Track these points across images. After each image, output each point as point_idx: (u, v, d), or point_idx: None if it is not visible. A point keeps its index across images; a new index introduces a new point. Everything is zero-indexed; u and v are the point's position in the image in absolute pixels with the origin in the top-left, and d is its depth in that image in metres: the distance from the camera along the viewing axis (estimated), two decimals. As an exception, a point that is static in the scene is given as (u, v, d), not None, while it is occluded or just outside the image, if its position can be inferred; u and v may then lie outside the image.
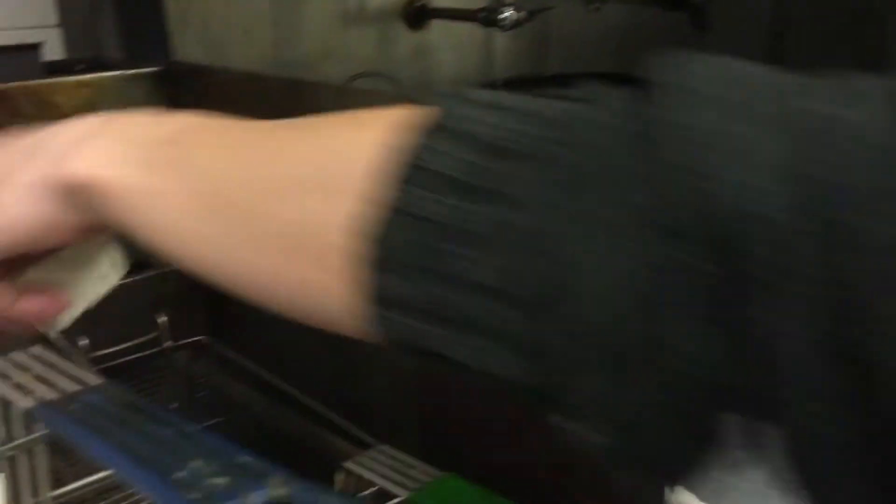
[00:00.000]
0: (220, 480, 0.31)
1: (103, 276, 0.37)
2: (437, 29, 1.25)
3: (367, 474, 0.58)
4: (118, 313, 0.78)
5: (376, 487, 0.58)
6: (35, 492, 0.48)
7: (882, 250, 0.17)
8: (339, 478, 0.59)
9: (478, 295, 0.22)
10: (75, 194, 0.30)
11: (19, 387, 0.41)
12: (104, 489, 0.57)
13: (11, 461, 0.46)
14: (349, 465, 0.59)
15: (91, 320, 0.37)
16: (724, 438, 0.23)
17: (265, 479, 0.31)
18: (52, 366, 0.43)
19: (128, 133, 0.30)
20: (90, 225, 0.31)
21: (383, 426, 0.72)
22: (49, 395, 0.39)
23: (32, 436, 0.46)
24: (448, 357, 0.23)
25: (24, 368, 0.43)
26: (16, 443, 0.46)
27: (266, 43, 1.11)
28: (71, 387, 0.40)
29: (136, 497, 0.58)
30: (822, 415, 0.19)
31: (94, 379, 0.41)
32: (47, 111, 0.76)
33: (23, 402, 0.39)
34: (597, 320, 0.20)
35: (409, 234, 0.22)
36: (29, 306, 0.36)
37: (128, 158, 0.29)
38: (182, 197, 0.27)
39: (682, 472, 0.23)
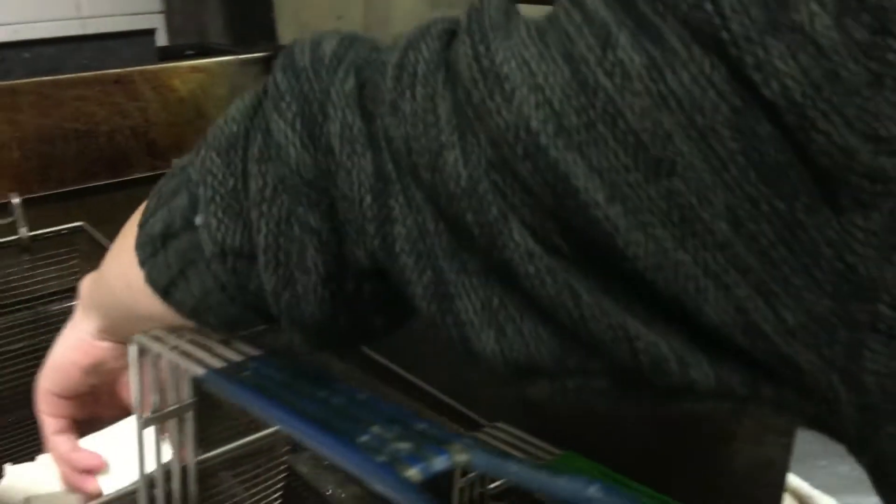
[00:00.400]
0: (404, 445, 0.32)
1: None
2: (523, 12, 1.25)
3: (486, 450, 0.59)
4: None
5: (495, 463, 0.58)
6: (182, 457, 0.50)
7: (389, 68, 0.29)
8: (457, 453, 0.60)
9: (182, 186, 0.35)
10: (85, 305, 0.48)
11: (182, 353, 0.43)
12: (236, 458, 0.59)
13: (165, 427, 0.49)
14: (467, 440, 0.60)
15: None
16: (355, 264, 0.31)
17: (446, 444, 0.32)
18: (205, 334, 0.45)
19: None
20: (101, 328, 0.47)
21: (489, 406, 0.73)
22: (215, 363, 0.41)
23: (184, 402, 0.48)
24: (164, 235, 0.36)
25: (180, 336, 0.45)
26: (169, 408, 0.48)
27: (357, 27, 1.12)
28: (232, 355, 0.42)
29: (267, 465, 0.60)
30: (394, 209, 0.28)
31: (250, 349, 0.43)
32: (164, 94, 0.78)
33: (192, 369, 0.40)
34: (222, 132, 0.33)
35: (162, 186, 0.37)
36: (86, 458, 0.54)
37: (91, 276, 0.47)
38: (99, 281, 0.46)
39: (312, 279, 0.32)
